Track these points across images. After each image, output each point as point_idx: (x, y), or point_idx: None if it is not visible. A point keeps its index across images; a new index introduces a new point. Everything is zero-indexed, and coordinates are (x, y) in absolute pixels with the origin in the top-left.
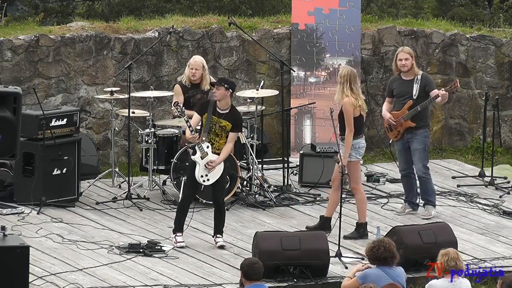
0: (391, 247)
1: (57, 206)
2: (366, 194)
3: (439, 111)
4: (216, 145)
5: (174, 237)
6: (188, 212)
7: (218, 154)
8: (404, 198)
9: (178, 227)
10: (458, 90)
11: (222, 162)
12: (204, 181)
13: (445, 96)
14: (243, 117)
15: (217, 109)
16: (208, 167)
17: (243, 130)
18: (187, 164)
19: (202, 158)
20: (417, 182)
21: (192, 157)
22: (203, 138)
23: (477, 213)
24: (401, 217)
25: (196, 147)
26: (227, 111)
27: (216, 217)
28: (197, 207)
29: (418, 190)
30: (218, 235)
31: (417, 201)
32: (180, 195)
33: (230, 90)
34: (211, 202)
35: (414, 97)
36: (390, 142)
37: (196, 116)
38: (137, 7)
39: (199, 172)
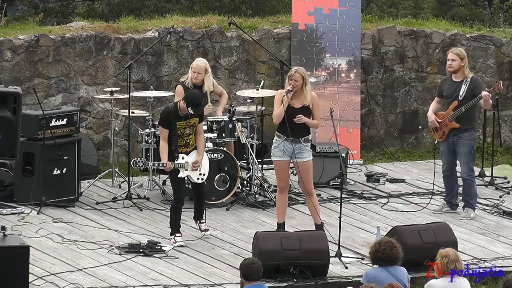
0: (396, 247)
1: (57, 206)
2: (366, 194)
3: None
4: (191, 141)
5: (174, 238)
6: (181, 211)
7: (195, 148)
8: (444, 197)
9: (176, 228)
10: (502, 92)
11: (204, 153)
12: (202, 179)
13: (487, 97)
14: (242, 117)
15: (181, 114)
16: (194, 168)
17: (243, 130)
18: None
19: (186, 169)
20: (452, 182)
21: (180, 175)
22: (176, 154)
23: (477, 213)
24: (401, 217)
25: (178, 168)
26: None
27: (197, 205)
28: None
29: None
30: (201, 220)
31: (456, 202)
32: (173, 197)
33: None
34: (212, 202)
35: (460, 98)
36: (436, 142)
37: (165, 134)
38: (137, 7)
39: (193, 177)
